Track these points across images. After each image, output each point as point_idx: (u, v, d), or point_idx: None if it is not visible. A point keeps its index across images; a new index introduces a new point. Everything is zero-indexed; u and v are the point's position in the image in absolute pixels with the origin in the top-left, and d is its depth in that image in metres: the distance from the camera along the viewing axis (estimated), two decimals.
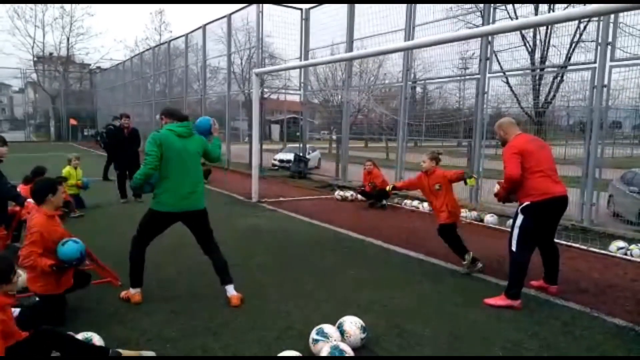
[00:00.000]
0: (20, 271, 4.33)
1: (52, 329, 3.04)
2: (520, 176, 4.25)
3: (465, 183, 5.37)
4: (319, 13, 14.16)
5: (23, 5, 39.05)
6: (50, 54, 41.24)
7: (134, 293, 4.21)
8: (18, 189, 5.35)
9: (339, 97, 14.46)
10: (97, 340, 3.21)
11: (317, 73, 15.50)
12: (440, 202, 5.35)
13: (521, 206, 4.35)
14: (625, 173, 9.06)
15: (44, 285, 3.71)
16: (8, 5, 38.58)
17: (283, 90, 17.75)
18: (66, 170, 8.71)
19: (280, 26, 14.93)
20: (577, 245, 6.62)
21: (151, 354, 3.25)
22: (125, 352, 3.13)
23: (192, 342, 3.49)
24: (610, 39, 7.48)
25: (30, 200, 4.35)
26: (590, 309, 4.28)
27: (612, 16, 7.34)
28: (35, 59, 40.97)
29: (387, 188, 6.59)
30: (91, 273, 4.36)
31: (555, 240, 4.79)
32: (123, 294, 4.27)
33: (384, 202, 9.74)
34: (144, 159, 4.07)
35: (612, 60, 7.49)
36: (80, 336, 3.17)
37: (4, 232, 5.03)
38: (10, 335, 2.80)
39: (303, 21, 14.83)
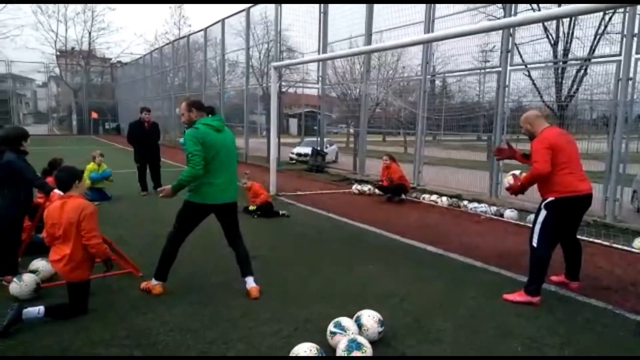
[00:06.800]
0: (44, 261, 4.44)
1: None
2: (549, 172, 4.15)
3: None
4: (338, 6, 14.09)
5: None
6: (73, 48, 41.98)
7: (155, 284, 4.25)
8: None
9: (357, 90, 14.41)
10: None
11: (335, 66, 15.44)
12: None
13: (544, 202, 4.27)
14: None
15: (87, 270, 3.80)
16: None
17: (301, 84, 17.77)
18: (90, 167, 8.84)
19: (299, 19, 14.93)
20: (599, 241, 6.50)
21: None
22: None
23: (212, 333, 3.54)
24: (636, 31, 7.29)
25: (56, 191, 4.41)
26: (612, 306, 4.21)
27: (639, 7, 7.16)
28: (57, 53, 41.73)
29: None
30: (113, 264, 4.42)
31: (578, 237, 4.71)
32: (143, 285, 4.32)
33: (403, 196, 9.70)
34: (187, 158, 4.00)
35: (638, 52, 7.31)
36: None
37: (29, 223, 5.12)
38: None
39: (321, 14, 14.77)
